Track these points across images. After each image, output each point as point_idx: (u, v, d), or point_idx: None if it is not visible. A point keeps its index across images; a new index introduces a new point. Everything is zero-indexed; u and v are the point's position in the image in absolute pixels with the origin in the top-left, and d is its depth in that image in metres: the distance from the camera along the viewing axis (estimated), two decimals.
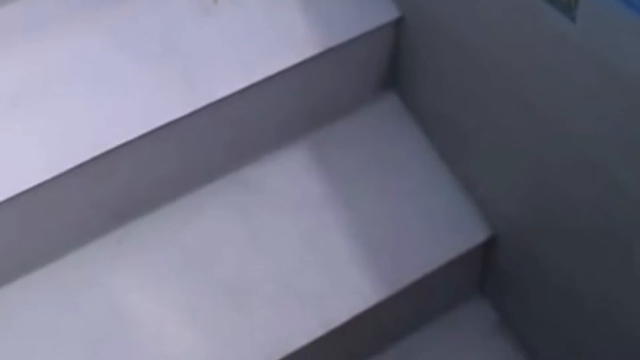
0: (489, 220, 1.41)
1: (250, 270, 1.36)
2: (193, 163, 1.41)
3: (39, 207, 1.29)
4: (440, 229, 1.41)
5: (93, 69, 1.33)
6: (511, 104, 1.21)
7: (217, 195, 1.43)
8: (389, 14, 1.42)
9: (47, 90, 1.31)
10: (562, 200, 1.21)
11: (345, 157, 1.48)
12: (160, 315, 1.32)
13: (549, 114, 1.13)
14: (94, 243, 1.37)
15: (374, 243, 1.40)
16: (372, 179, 1.46)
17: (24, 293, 1.32)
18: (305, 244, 1.40)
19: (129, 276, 1.35)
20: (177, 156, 1.38)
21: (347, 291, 1.36)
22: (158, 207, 1.40)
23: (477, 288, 1.56)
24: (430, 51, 1.41)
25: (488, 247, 1.43)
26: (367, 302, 1.35)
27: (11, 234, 1.30)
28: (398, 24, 1.43)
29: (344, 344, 1.39)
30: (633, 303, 1.14)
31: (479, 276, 1.53)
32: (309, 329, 1.32)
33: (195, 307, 1.33)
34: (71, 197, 1.31)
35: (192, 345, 1.30)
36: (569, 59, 1.03)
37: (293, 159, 1.47)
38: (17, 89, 1.30)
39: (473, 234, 1.42)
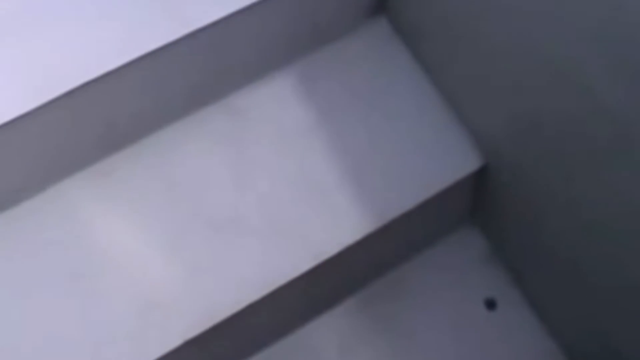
0: (480, 149, 1.38)
1: (236, 202, 1.34)
2: (176, 92, 1.36)
3: (19, 141, 1.24)
4: (432, 158, 1.38)
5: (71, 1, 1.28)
6: (499, 26, 1.17)
7: (202, 124, 1.38)
8: None
9: (24, 22, 1.25)
10: (549, 124, 1.18)
11: (334, 84, 1.43)
12: (144, 249, 1.29)
13: (537, 36, 1.09)
14: (76, 176, 1.34)
15: (363, 173, 1.37)
16: (362, 107, 1.42)
17: (5, 228, 1.30)
18: (293, 174, 1.37)
19: (112, 209, 1.33)
20: (159, 86, 1.33)
21: (337, 223, 1.33)
22: (142, 138, 1.36)
23: (467, 217, 1.54)
24: None
25: (479, 176, 1.40)
26: (357, 234, 1.33)
27: None
28: None
29: (333, 276, 1.37)
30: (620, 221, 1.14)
31: (469, 205, 1.51)
32: (298, 262, 1.30)
33: (180, 240, 1.31)
34: (52, 129, 1.26)
35: (176, 280, 1.28)
36: None
37: (280, 87, 1.43)
38: None
39: (465, 163, 1.38)
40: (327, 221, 1.33)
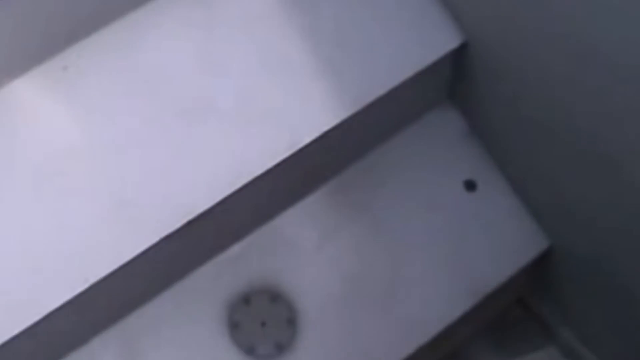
0: (460, 26, 1.32)
1: (207, 89, 1.27)
2: None
3: None
4: (409, 37, 1.31)
5: None
6: None
7: (166, 10, 1.30)
8: None
9: None
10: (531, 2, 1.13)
11: None
12: (110, 144, 1.23)
13: None
14: (37, 69, 1.26)
15: (338, 55, 1.30)
16: None
17: None
18: (264, 59, 1.30)
19: (73, 105, 1.26)
20: None
21: (312, 108, 1.28)
22: (104, 27, 1.28)
23: (445, 97, 1.49)
24: None
25: (459, 54, 1.35)
26: (333, 120, 1.28)
27: None
28: None
29: (308, 163, 1.33)
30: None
31: (448, 84, 1.46)
32: (274, 152, 1.25)
33: (148, 133, 1.24)
34: (7, 20, 1.18)
35: (148, 175, 1.23)
36: None
37: None
38: None
39: (444, 41, 1.32)
40: (302, 107, 1.28)
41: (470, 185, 1.47)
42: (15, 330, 1.15)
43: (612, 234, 1.29)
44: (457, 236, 1.44)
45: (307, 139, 1.26)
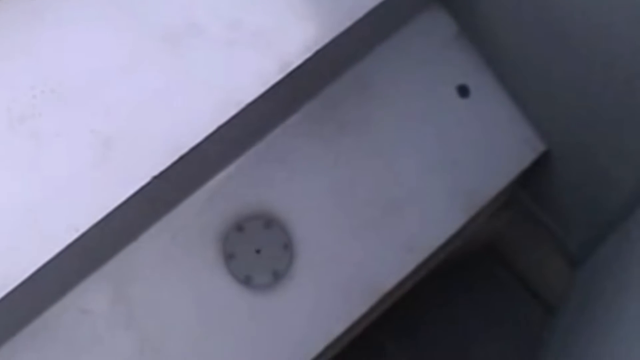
0: None
1: (191, 13, 1.16)
2: None
3: None
4: None
5: None
6: None
7: None
8: None
9: None
10: None
11: None
12: (94, 77, 1.12)
13: None
14: None
15: None
16: None
17: None
18: None
19: (48, 34, 1.14)
20: None
21: (303, 27, 1.18)
22: None
23: None
24: None
25: None
26: (325, 37, 1.18)
27: None
28: None
29: (297, 82, 1.24)
30: None
31: None
32: (265, 75, 1.16)
33: (135, 61, 1.14)
34: None
35: (136, 109, 1.13)
36: None
37: None
38: None
39: None
40: (292, 26, 1.18)
41: (463, 91, 1.40)
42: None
43: (606, 128, 1.26)
44: (451, 145, 1.38)
45: (298, 61, 1.17)
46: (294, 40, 1.18)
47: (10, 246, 1.09)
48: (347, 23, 1.19)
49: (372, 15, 1.21)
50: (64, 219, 1.09)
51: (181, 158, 1.13)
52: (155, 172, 1.12)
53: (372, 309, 1.34)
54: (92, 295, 1.26)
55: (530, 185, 1.52)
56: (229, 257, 1.29)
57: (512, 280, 1.75)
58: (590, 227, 1.47)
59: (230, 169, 1.32)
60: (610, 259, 1.35)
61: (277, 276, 1.30)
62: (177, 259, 1.29)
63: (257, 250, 1.31)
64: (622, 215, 1.31)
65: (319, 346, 1.29)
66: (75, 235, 1.10)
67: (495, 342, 1.76)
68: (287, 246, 1.31)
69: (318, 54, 1.18)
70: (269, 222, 1.32)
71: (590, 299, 1.37)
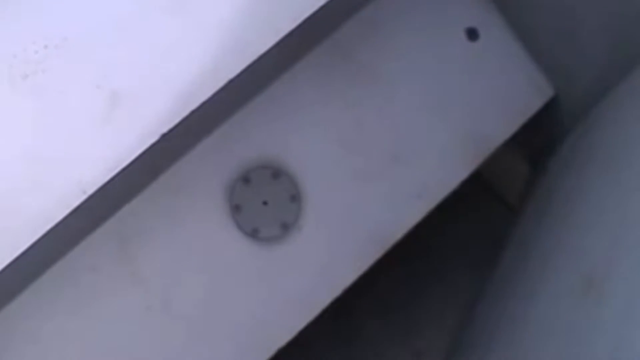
0: None
1: None
2: None
3: None
4: None
5: None
6: None
7: None
8: None
9: None
10: None
11: None
12: (94, 29, 1.05)
13: None
14: None
15: None
16: None
17: None
18: None
19: None
20: None
21: None
22: None
23: None
24: None
25: None
26: None
27: None
28: None
29: (306, 28, 1.18)
30: None
31: None
32: (277, 25, 1.09)
33: (142, 9, 1.06)
34: None
35: (140, 63, 1.07)
36: None
37: None
38: None
39: None
40: None
41: (472, 34, 1.35)
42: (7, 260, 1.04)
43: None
44: (460, 90, 1.35)
45: (311, 9, 1.12)
46: None
47: (13, 208, 1.05)
48: None
49: None
50: (71, 180, 1.04)
51: (191, 113, 1.08)
52: (165, 130, 1.07)
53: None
54: (97, 251, 1.22)
55: None
56: (235, 210, 1.26)
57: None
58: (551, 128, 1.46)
59: (236, 118, 1.27)
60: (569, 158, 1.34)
61: (285, 228, 1.27)
62: (183, 212, 1.25)
63: (264, 202, 1.28)
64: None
65: (328, 298, 1.28)
66: (83, 198, 1.05)
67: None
68: (295, 197, 1.28)
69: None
70: (277, 173, 1.28)
71: (551, 197, 1.36)
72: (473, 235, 1.79)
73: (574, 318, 0.96)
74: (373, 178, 1.31)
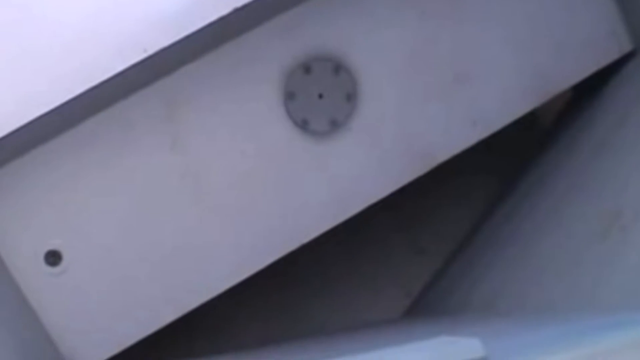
0: None
1: None
2: None
3: None
4: None
5: None
6: None
7: None
8: None
9: None
10: None
11: None
12: None
13: None
14: None
15: None
16: None
17: None
18: None
19: None
20: None
21: None
22: None
23: None
24: None
25: None
26: None
27: None
28: None
29: None
30: None
31: None
32: None
33: None
34: None
35: None
36: None
37: None
38: None
39: None
40: None
41: None
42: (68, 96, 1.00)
43: None
44: (536, 26, 1.28)
45: None
46: None
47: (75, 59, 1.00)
48: None
49: None
50: (134, 39, 1.00)
51: None
52: (239, 4, 1.02)
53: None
54: (141, 108, 1.17)
55: None
56: (289, 97, 1.21)
57: None
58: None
59: (309, 4, 1.20)
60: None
61: (335, 126, 1.23)
62: (236, 88, 1.20)
63: (320, 95, 1.23)
64: None
65: (359, 206, 1.25)
66: (142, 56, 1.01)
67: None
68: (351, 97, 1.23)
69: None
70: (338, 68, 1.22)
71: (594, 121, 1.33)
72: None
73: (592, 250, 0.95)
74: (432, 96, 1.26)
